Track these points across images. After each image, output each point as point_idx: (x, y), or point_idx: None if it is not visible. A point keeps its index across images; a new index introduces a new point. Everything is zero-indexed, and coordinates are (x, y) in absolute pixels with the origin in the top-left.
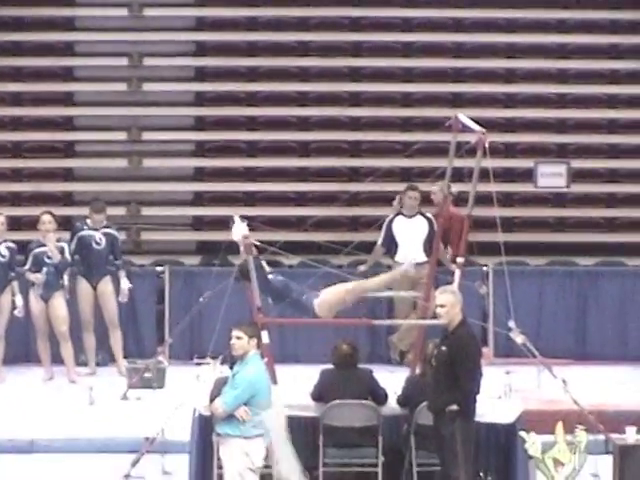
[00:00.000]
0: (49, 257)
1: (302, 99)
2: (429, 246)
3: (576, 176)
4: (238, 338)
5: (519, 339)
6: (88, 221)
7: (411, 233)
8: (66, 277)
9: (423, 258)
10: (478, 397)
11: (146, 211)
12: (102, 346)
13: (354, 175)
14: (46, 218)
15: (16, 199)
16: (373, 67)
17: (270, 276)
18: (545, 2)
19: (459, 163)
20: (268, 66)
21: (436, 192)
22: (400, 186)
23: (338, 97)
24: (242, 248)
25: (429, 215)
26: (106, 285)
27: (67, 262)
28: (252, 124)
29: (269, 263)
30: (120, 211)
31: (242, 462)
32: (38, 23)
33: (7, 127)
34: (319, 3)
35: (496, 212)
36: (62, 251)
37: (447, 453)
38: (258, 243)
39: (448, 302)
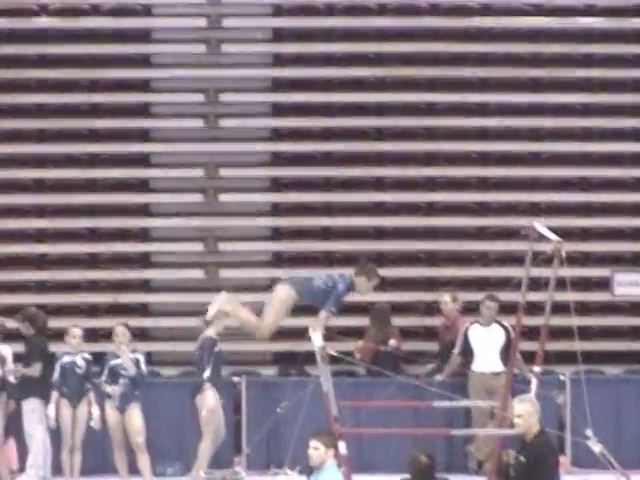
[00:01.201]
0: (125, 369)
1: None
2: (506, 355)
3: None
4: (315, 449)
5: (597, 448)
6: None
7: (488, 342)
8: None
9: (500, 367)
10: None
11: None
12: (180, 456)
13: (431, 285)
14: (119, 330)
15: (93, 310)
16: (448, 176)
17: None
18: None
19: (536, 272)
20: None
21: (447, 302)
22: (477, 295)
23: (414, 206)
24: (319, 358)
25: (506, 324)
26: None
27: (143, 374)
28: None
29: (344, 373)
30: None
31: None
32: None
33: (82, 238)
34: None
35: (573, 321)
36: (137, 363)
37: None
38: (335, 353)
39: (526, 412)
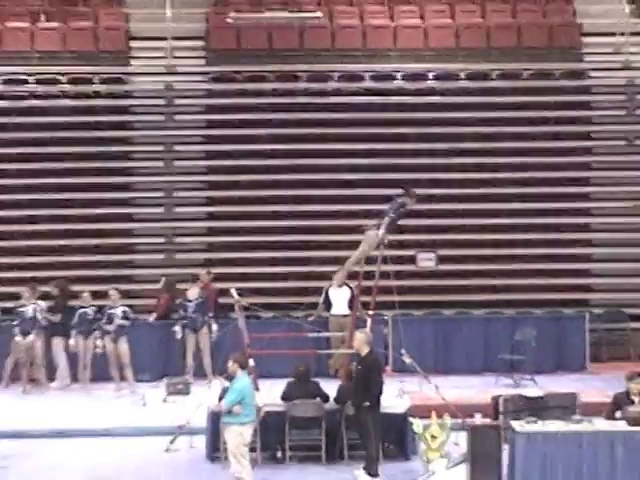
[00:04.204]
0: None
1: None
2: (351, 304)
3: (442, 260)
4: (230, 363)
5: (408, 360)
6: None
7: (340, 296)
8: None
9: (347, 312)
10: (382, 397)
11: None
12: (151, 368)
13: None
14: None
15: None
16: None
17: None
18: None
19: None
20: None
21: (204, 274)
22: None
23: None
24: (236, 307)
25: (351, 285)
26: None
27: None
28: None
29: (252, 317)
30: None
31: (238, 439)
32: None
33: None
34: None
35: (393, 283)
36: None
37: (363, 432)
38: (246, 304)
39: (358, 339)
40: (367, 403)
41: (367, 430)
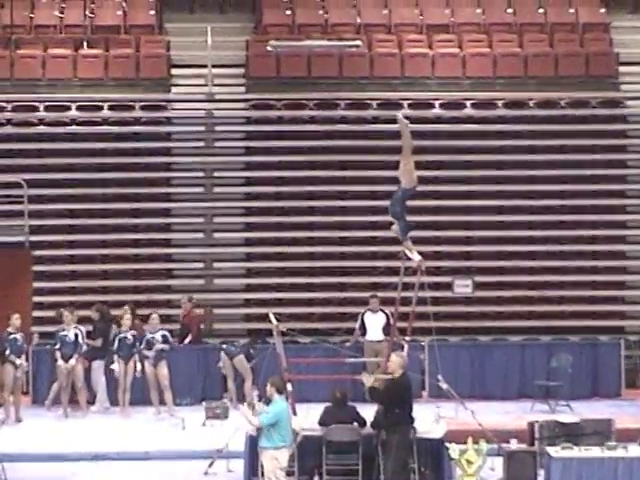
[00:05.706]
0: None
1: None
2: (386, 330)
3: (478, 286)
4: (267, 387)
5: (444, 386)
6: None
7: (375, 322)
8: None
9: (382, 337)
10: (416, 422)
11: None
12: (190, 392)
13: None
14: None
15: None
16: None
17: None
18: None
19: (406, 279)
20: None
21: (185, 302)
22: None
23: None
24: (274, 332)
25: (386, 311)
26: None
27: None
28: None
29: (290, 342)
30: None
31: (273, 464)
32: None
33: None
34: None
35: (430, 309)
36: None
37: (387, 455)
38: (285, 330)
39: (393, 361)
40: (380, 415)
41: (389, 450)
